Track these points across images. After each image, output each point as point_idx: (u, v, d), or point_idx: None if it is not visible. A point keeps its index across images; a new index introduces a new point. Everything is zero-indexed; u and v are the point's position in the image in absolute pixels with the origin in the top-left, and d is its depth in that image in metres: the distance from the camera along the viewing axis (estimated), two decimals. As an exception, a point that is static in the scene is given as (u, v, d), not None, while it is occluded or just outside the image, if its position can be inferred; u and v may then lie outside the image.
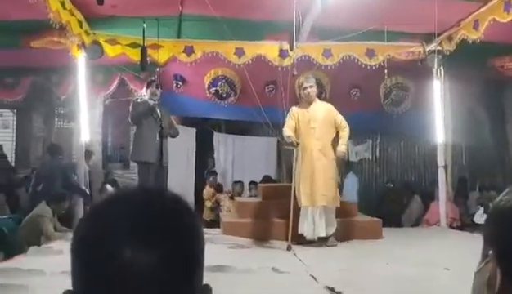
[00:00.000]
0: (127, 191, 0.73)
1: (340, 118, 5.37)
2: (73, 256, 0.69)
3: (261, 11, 5.80)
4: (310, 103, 5.38)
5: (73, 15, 5.39)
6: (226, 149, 9.81)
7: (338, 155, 5.29)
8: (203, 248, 0.70)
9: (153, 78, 6.11)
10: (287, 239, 5.27)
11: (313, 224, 5.15)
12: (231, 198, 7.99)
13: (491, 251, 0.73)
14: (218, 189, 8.46)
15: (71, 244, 0.71)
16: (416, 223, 8.03)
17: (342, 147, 5.32)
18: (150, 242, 0.64)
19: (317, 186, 5.14)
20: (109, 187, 7.55)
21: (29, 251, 4.74)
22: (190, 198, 8.85)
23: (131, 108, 5.75)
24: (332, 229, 5.19)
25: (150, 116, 5.59)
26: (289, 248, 4.94)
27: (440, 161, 6.89)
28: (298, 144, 5.24)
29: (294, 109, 5.46)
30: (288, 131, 5.35)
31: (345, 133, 5.36)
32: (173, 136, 5.87)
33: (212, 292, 0.70)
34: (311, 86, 5.38)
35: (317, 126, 5.27)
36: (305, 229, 5.17)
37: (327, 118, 5.31)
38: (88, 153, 7.76)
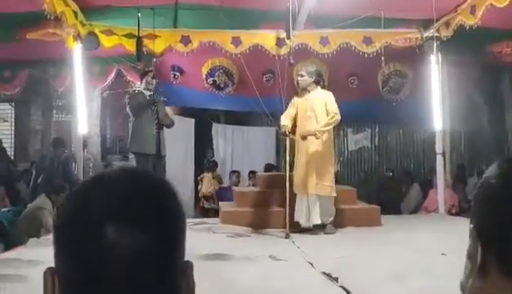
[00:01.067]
0: (110, 172, 0.71)
1: (330, 105, 5.24)
2: (56, 235, 0.68)
3: (257, 0, 5.76)
4: (309, 91, 5.37)
5: (67, 5, 5.36)
6: (225, 139, 9.82)
7: (313, 132, 5.15)
8: (185, 230, 0.70)
9: (148, 69, 6.11)
10: (285, 227, 5.31)
11: (308, 211, 5.17)
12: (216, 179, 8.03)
13: (471, 225, 0.73)
14: (218, 179, 8.50)
15: (54, 224, 0.70)
16: (415, 210, 8.05)
17: (318, 126, 5.16)
18: (134, 222, 0.64)
19: (310, 174, 5.14)
20: None
21: (29, 242, 4.76)
22: (189, 188, 8.88)
23: (127, 99, 5.76)
24: (329, 218, 5.21)
25: (147, 107, 5.63)
26: (287, 236, 4.97)
27: (438, 148, 6.88)
28: (289, 133, 5.28)
29: (295, 98, 5.48)
30: (284, 119, 5.39)
31: (332, 120, 5.20)
32: (169, 127, 5.89)
33: (192, 267, 0.70)
34: (301, 76, 5.39)
35: (313, 114, 5.27)
36: (300, 216, 5.21)
37: (323, 106, 5.28)
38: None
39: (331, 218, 5.22)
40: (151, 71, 5.98)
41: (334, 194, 5.28)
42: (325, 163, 5.20)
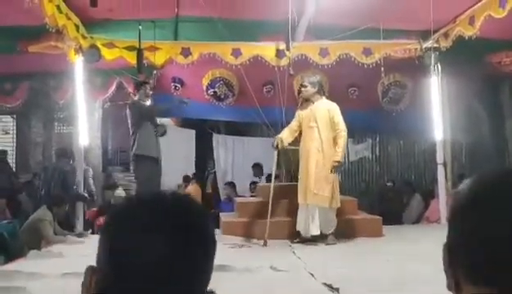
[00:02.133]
0: (153, 194, 0.81)
1: (338, 120, 5.23)
2: (105, 242, 0.77)
3: (257, 12, 5.82)
4: (313, 102, 5.39)
5: (69, 19, 5.41)
6: (226, 150, 9.84)
7: (332, 165, 5.12)
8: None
9: (143, 80, 6.18)
10: (288, 238, 5.31)
11: (308, 221, 5.16)
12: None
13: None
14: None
15: (101, 232, 0.80)
16: (417, 220, 8.02)
17: (335, 157, 5.12)
18: (181, 242, 0.73)
19: (309, 184, 5.14)
20: (119, 191, 7.57)
21: (30, 254, 4.76)
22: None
23: (130, 108, 5.84)
24: (330, 228, 5.19)
25: (150, 115, 5.81)
26: (265, 244, 5.06)
27: (439, 158, 6.89)
28: (277, 146, 5.36)
29: (299, 111, 5.50)
30: (283, 132, 5.43)
31: (341, 139, 5.17)
32: (162, 135, 6.08)
33: None
34: (304, 87, 5.41)
35: (316, 125, 5.28)
36: (300, 226, 5.21)
37: (327, 117, 5.28)
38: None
39: (332, 229, 5.20)
40: (148, 82, 6.06)
41: (335, 205, 5.25)
42: (325, 174, 5.18)
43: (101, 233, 0.78)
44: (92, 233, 6.19)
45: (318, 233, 5.14)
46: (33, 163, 9.49)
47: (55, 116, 9.49)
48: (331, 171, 5.13)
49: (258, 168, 9.08)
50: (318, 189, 5.13)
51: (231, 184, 8.37)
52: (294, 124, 5.47)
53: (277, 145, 5.41)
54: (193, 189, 8.68)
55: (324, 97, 5.46)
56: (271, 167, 9.22)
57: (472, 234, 0.67)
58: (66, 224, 6.03)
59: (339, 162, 5.16)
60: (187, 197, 0.81)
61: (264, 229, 5.35)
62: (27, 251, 4.88)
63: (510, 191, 0.67)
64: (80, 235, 5.76)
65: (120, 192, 7.58)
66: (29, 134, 9.53)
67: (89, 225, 6.39)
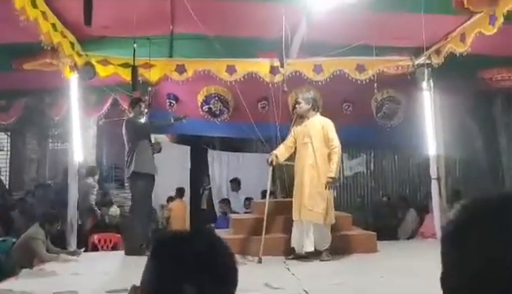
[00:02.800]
0: (188, 234, 1.01)
1: (332, 136, 5.24)
2: (151, 270, 0.93)
3: (251, 29, 5.87)
4: (307, 118, 5.42)
5: (64, 36, 5.44)
6: (221, 165, 9.84)
7: (326, 181, 5.11)
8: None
9: (138, 97, 6.21)
10: (283, 254, 5.28)
11: (302, 238, 5.14)
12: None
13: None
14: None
15: (149, 260, 0.95)
16: (412, 235, 8.01)
17: (330, 173, 5.10)
18: (211, 282, 0.90)
19: (303, 201, 5.14)
20: (113, 209, 7.55)
21: (22, 273, 4.70)
22: (186, 216, 8.84)
23: (127, 125, 5.85)
24: (325, 245, 5.17)
25: (146, 132, 5.83)
26: (259, 261, 5.02)
27: (433, 173, 6.91)
28: (271, 162, 5.38)
29: (294, 128, 5.54)
30: (278, 148, 5.45)
31: (335, 155, 5.16)
32: (158, 151, 6.08)
33: None
34: (298, 103, 5.45)
35: (310, 141, 5.30)
36: (294, 242, 5.19)
37: (321, 133, 5.30)
38: (92, 169, 7.88)
39: (327, 245, 5.18)
40: (142, 100, 6.09)
41: (330, 222, 5.23)
42: (320, 190, 5.17)
43: (149, 261, 0.94)
44: (86, 250, 6.14)
45: (312, 249, 5.13)
46: (27, 180, 9.44)
47: (49, 133, 9.48)
48: (326, 187, 5.13)
49: (235, 183, 9.11)
50: (312, 205, 5.12)
51: (226, 201, 8.34)
52: (289, 140, 5.49)
53: (272, 162, 5.43)
54: (175, 206, 8.65)
55: (318, 113, 5.49)
56: (266, 182, 9.31)
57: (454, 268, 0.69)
58: (59, 242, 5.98)
59: (333, 178, 5.16)
60: (220, 240, 0.98)
61: (259, 245, 5.31)
62: (19, 270, 4.82)
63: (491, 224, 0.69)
64: (73, 253, 5.71)
65: (115, 210, 7.55)
66: (24, 151, 9.50)
67: (83, 243, 6.33)
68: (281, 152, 5.45)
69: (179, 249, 0.93)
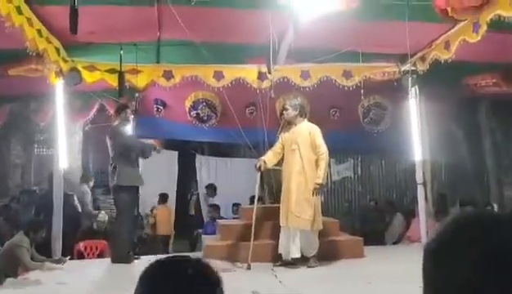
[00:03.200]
0: (177, 265, 1.03)
1: (319, 142, 5.26)
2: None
3: (238, 35, 5.88)
4: (295, 124, 5.43)
5: (50, 42, 5.39)
6: (209, 171, 9.82)
7: (313, 187, 5.13)
8: None
9: (124, 104, 6.17)
10: (271, 261, 5.28)
11: (289, 244, 5.15)
12: None
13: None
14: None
15: (138, 284, 1.00)
16: (399, 240, 8.07)
17: (317, 179, 5.13)
18: None
19: (290, 207, 5.15)
20: (102, 215, 7.49)
21: (6, 282, 4.63)
22: (171, 221, 8.80)
23: (112, 141, 5.79)
24: (312, 251, 5.18)
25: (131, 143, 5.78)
26: (248, 267, 5.00)
27: (419, 178, 6.98)
28: (259, 168, 5.39)
29: (282, 133, 5.56)
30: (266, 154, 5.46)
31: (322, 162, 5.18)
32: (158, 152, 6.07)
33: None
34: (286, 110, 5.47)
35: (297, 148, 5.32)
36: (282, 249, 5.19)
37: (308, 139, 5.32)
38: (87, 176, 7.83)
39: (314, 251, 5.19)
40: (128, 106, 6.04)
41: (317, 228, 5.24)
42: (307, 196, 5.18)
43: (138, 285, 0.99)
44: (71, 258, 6.07)
45: (299, 255, 5.13)
46: (12, 186, 9.30)
47: (35, 138, 9.36)
48: (313, 193, 5.15)
49: (211, 189, 9.12)
50: (300, 211, 5.13)
51: (215, 206, 8.32)
52: (277, 147, 5.51)
53: (260, 167, 5.43)
54: (159, 212, 8.62)
55: (305, 120, 5.51)
56: (254, 188, 9.30)
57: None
58: (44, 250, 5.89)
59: (320, 184, 5.18)
60: (207, 269, 1.03)
61: (247, 251, 5.31)
62: (3, 279, 4.75)
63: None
64: (59, 261, 5.64)
65: (103, 216, 7.48)
66: (8, 156, 9.37)
67: (68, 251, 6.26)
68: (269, 158, 5.46)
69: (167, 277, 0.97)
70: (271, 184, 6.73)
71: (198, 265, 1.03)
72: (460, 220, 0.77)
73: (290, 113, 5.42)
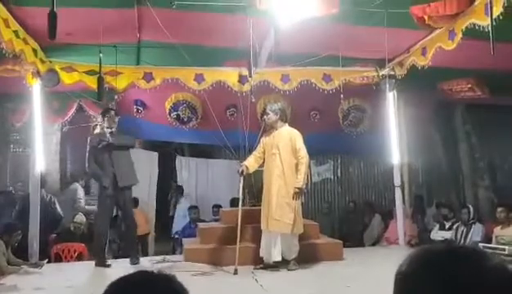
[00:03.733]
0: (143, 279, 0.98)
1: (299, 147, 5.29)
2: None
3: (219, 38, 5.88)
4: (276, 129, 5.47)
5: (27, 43, 5.30)
6: (189, 172, 9.78)
7: (294, 191, 5.16)
8: None
9: (109, 106, 6.11)
10: (252, 264, 5.30)
11: (270, 247, 5.19)
12: None
13: None
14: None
15: None
16: (377, 241, 8.21)
17: (297, 183, 5.16)
18: None
19: (271, 211, 5.18)
20: (79, 216, 7.39)
21: (-20, 288, 4.54)
22: (151, 223, 8.74)
23: (92, 141, 5.76)
24: (292, 254, 5.23)
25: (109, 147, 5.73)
26: (235, 272, 4.99)
27: (396, 181, 7.11)
28: (242, 173, 5.41)
29: (263, 138, 5.59)
30: (248, 159, 5.49)
31: (302, 166, 5.21)
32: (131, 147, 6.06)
33: None
34: (267, 114, 5.51)
35: (278, 152, 5.35)
36: (263, 252, 5.23)
37: (288, 144, 5.35)
38: (79, 173, 7.73)
39: (295, 255, 5.24)
40: (112, 109, 5.98)
41: (298, 232, 5.28)
42: (287, 200, 5.22)
43: None
44: (49, 262, 5.98)
45: (280, 259, 5.18)
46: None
47: (11, 138, 9.16)
48: (293, 197, 5.19)
49: (179, 190, 9.13)
50: (280, 215, 5.17)
51: (195, 208, 8.29)
52: (258, 151, 5.54)
53: (242, 172, 5.44)
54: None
55: (286, 124, 5.55)
56: (234, 189, 9.30)
57: None
58: (20, 253, 5.79)
59: (300, 188, 5.22)
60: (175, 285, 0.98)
61: (229, 255, 5.32)
62: (-22, 284, 4.65)
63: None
64: (36, 265, 5.55)
65: (80, 217, 7.38)
66: (-17, 157, 9.14)
67: (45, 254, 6.16)
68: (251, 163, 5.49)
69: None
70: (252, 185, 6.76)
71: (164, 283, 0.97)
72: (430, 251, 0.83)
73: (271, 117, 5.46)
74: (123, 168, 5.76)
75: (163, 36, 5.48)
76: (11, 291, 4.48)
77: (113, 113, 5.80)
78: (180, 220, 8.55)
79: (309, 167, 5.57)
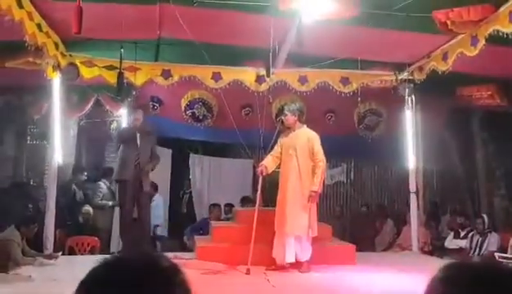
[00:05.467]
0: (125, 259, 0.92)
1: (317, 150, 5.25)
2: None
3: (238, 38, 5.89)
4: (294, 130, 5.44)
5: (49, 37, 5.35)
6: (202, 170, 9.80)
7: (309, 194, 5.13)
8: None
9: (142, 104, 6.27)
10: (264, 264, 5.28)
11: (284, 249, 5.16)
12: None
13: None
14: None
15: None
16: (389, 246, 8.14)
17: (313, 186, 5.13)
18: None
19: (286, 213, 5.15)
20: (86, 207, 7.48)
21: (-4, 278, 4.60)
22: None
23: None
24: (305, 257, 5.21)
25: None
26: (247, 272, 4.96)
27: (411, 187, 7.04)
28: (261, 173, 5.35)
29: (280, 138, 5.55)
30: (266, 159, 5.46)
31: (319, 169, 5.17)
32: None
33: None
34: (285, 115, 5.47)
35: (295, 154, 5.31)
36: (276, 253, 5.20)
37: (306, 146, 5.31)
38: (109, 170, 7.85)
39: (307, 257, 5.21)
40: (141, 107, 6.17)
41: (312, 234, 5.23)
42: (303, 203, 5.18)
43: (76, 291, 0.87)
44: (63, 254, 6.04)
45: (293, 260, 5.15)
46: (2, 177, 9.20)
47: (28, 131, 9.28)
48: (308, 200, 5.16)
49: (153, 186, 9.13)
50: (295, 217, 5.15)
51: (218, 207, 8.25)
52: (276, 151, 5.51)
53: (262, 172, 5.40)
54: None
55: (304, 125, 5.51)
56: (244, 188, 9.30)
57: None
58: (35, 245, 5.86)
59: (315, 192, 5.19)
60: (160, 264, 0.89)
61: (240, 255, 5.30)
62: (-6, 274, 4.72)
63: None
64: (50, 257, 5.61)
65: (87, 208, 7.47)
66: (1, 148, 9.27)
67: (60, 246, 6.23)
68: (269, 163, 5.46)
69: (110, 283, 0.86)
70: (265, 187, 6.74)
71: (149, 263, 0.88)
72: (461, 269, 0.88)
73: (289, 118, 5.42)
74: None
75: (182, 33, 5.49)
76: (26, 281, 4.53)
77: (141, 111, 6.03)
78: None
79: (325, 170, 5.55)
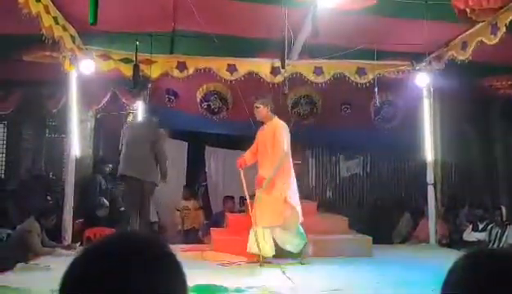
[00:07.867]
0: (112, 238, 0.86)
1: (276, 140, 5.13)
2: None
3: (253, 29, 5.86)
4: (266, 123, 5.37)
5: (66, 30, 5.40)
6: (218, 162, 9.82)
7: (264, 183, 5.02)
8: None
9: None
10: (277, 256, 5.27)
11: (261, 242, 5.07)
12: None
13: None
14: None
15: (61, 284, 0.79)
16: (406, 239, 8.06)
17: (269, 176, 5.03)
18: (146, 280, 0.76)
19: (262, 208, 5.10)
20: (103, 200, 7.60)
21: (16, 267, 4.69)
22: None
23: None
24: (292, 247, 5.10)
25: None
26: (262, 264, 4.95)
27: (429, 179, 6.94)
28: (240, 165, 5.34)
29: (258, 132, 5.48)
30: (246, 153, 5.46)
31: (277, 158, 5.03)
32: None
33: None
34: (257, 108, 5.36)
35: (264, 149, 5.26)
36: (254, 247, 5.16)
37: (272, 139, 5.22)
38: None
39: (295, 247, 5.09)
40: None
41: (290, 223, 5.07)
42: (275, 195, 5.06)
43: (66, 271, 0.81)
44: (81, 245, 6.13)
45: (272, 254, 5.07)
46: (22, 170, 9.38)
47: (47, 124, 9.42)
48: (263, 186, 5.04)
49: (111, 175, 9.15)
50: (266, 210, 5.07)
51: (232, 199, 8.31)
52: (253, 147, 5.46)
53: (240, 165, 5.38)
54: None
55: (275, 116, 5.40)
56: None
57: None
58: (54, 235, 5.96)
59: (265, 185, 5.04)
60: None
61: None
62: (14, 264, 4.81)
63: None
64: (69, 247, 5.70)
65: (103, 202, 7.58)
66: (20, 141, 9.44)
67: (78, 237, 6.32)
68: (248, 157, 5.44)
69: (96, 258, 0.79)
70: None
71: (138, 241, 0.82)
72: (481, 258, 0.89)
73: (262, 110, 5.26)
74: None
75: (197, 25, 5.49)
76: (45, 271, 4.61)
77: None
78: None
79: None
